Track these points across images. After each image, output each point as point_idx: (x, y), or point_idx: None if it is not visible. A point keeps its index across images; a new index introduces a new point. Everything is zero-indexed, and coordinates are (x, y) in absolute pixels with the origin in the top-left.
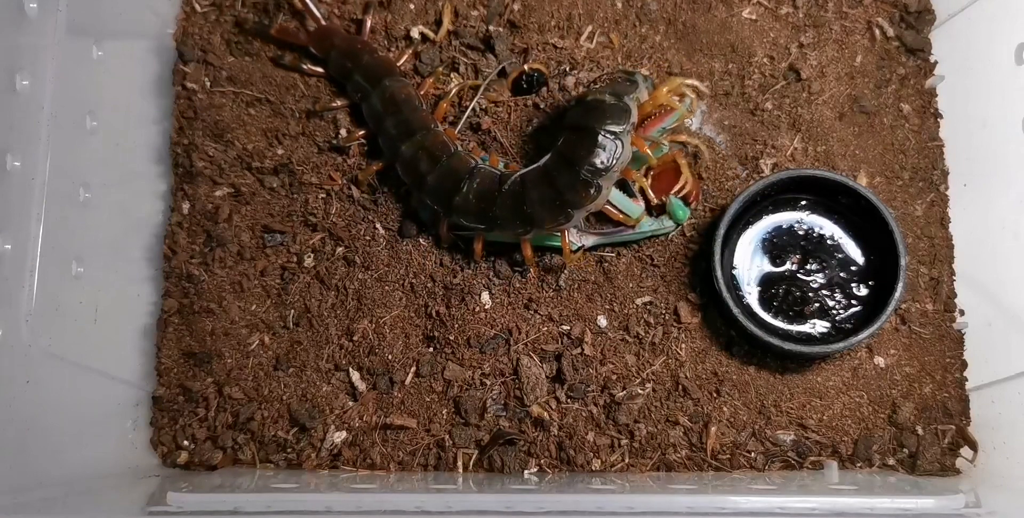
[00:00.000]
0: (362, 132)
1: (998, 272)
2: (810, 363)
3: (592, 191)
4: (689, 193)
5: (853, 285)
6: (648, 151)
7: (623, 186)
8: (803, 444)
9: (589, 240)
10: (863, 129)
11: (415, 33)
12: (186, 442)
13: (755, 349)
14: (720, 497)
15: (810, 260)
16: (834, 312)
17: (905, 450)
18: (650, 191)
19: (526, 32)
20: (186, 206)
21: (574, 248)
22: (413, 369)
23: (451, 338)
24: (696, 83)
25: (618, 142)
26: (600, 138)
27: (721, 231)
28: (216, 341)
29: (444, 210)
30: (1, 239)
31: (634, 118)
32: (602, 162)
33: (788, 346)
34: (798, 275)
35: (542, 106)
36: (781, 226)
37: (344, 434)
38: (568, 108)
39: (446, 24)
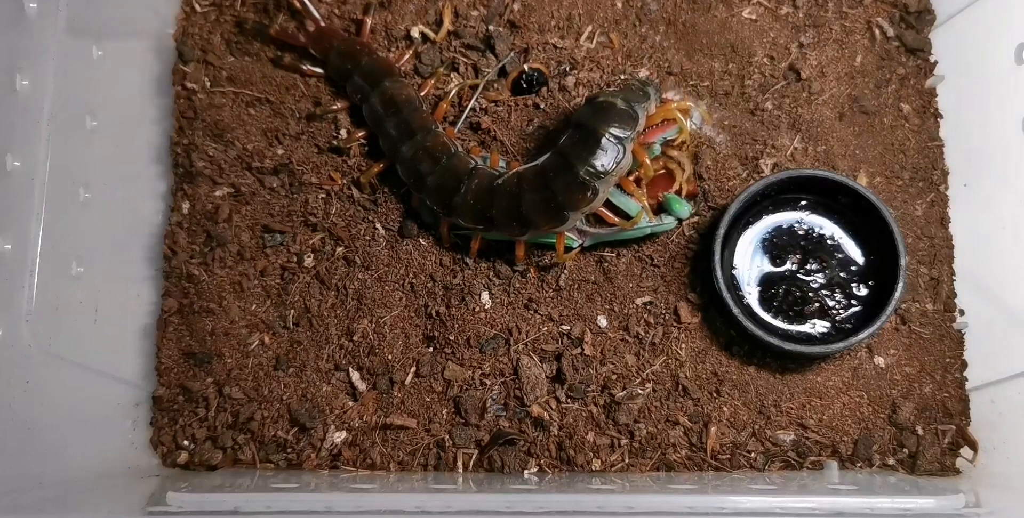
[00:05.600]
0: (362, 133)
1: (998, 272)
2: (810, 363)
3: (589, 194)
4: (686, 192)
5: (853, 285)
6: (647, 161)
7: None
8: (803, 444)
9: (588, 239)
10: (863, 129)
11: (415, 33)
12: (186, 442)
13: (755, 349)
14: (720, 497)
15: (810, 260)
16: (834, 312)
17: (905, 450)
18: (646, 202)
19: (526, 32)
20: (186, 206)
21: (573, 246)
22: (413, 369)
23: (451, 338)
24: (704, 112)
25: (620, 147)
26: (604, 140)
27: (721, 231)
28: (216, 341)
29: (444, 210)
30: (1, 239)
31: (640, 127)
32: (602, 165)
33: (788, 346)
34: (798, 275)
35: (542, 106)
36: (781, 226)
37: (344, 434)
38: (577, 107)
39: (446, 24)
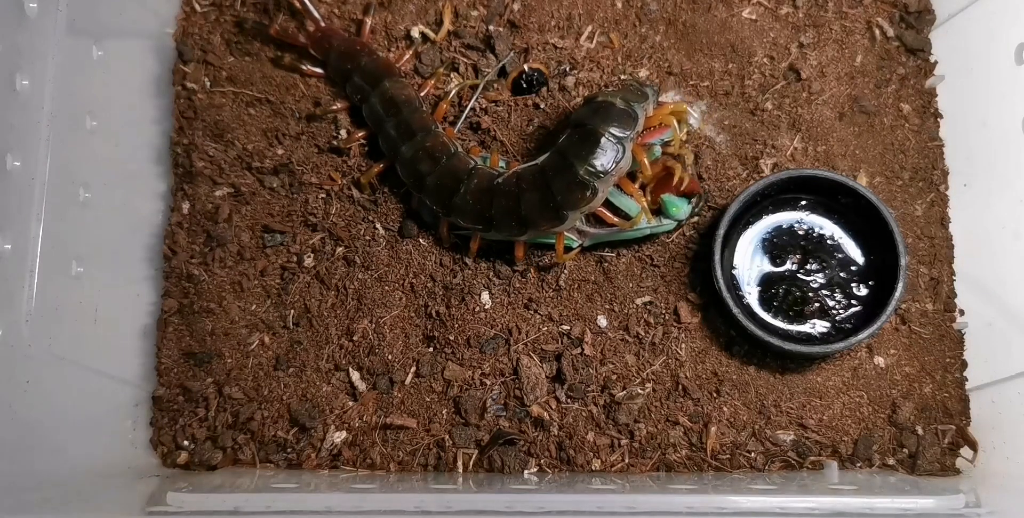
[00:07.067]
0: (362, 133)
1: (998, 272)
2: (810, 363)
3: (588, 193)
4: (687, 188)
5: (853, 285)
6: (646, 162)
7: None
8: (803, 444)
9: (588, 239)
10: (863, 129)
11: (415, 33)
12: (186, 442)
13: (755, 349)
14: (720, 497)
15: (810, 260)
16: (834, 312)
17: (905, 450)
18: (645, 202)
19: (526, 32)
20: (186, 206)
21: (572, 246)
22: (413, 369)
23: (451, 338)
24: (694, 116)
25: (619, 147)
26: (603, 140)
27: (721, 231)
28: (216, 341)
29: (443, 211)
30: (1, 239)
31: (639, 128)
32: (602, 165)
33: (788, 346)
34: (798, 275)
35: (542, 106)
36: (781, 226)
37: (344, 434)
38: (576, 107)
39: (446, 24)
